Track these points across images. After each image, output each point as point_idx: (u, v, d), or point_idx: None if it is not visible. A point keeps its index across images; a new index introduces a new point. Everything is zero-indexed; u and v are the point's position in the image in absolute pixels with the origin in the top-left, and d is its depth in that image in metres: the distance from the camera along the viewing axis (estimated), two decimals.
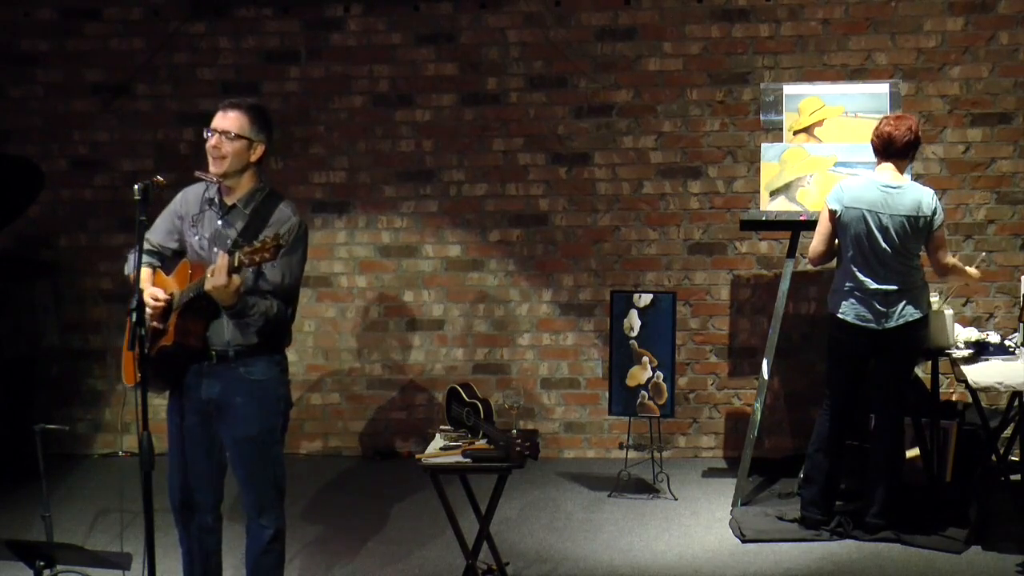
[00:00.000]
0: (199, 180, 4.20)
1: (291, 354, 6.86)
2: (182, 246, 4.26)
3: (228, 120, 4.09)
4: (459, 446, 4.72)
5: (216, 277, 3.84)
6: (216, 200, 4.18)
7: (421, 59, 6.76)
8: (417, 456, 4.79)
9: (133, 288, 3.85)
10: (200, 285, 3.95)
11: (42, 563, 4.03)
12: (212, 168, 4.11)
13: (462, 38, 6.74)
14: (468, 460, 4.62)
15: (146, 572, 3.86)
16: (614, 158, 6.71)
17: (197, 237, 4.17)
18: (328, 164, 6.88)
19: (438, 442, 4.85)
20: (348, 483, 6.50)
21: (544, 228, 6.80)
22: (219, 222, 4.15)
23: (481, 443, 4.73)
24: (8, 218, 6.50)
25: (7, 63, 6.95)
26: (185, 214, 4.23)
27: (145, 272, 4.22)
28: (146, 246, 4.25)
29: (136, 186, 3.91)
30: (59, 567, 4.20)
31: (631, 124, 6.68)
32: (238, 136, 4.07)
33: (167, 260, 4.29)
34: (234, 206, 4.14)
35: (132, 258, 4.25)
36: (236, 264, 3.82)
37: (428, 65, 6.76)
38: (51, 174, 6.79)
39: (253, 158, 4.11)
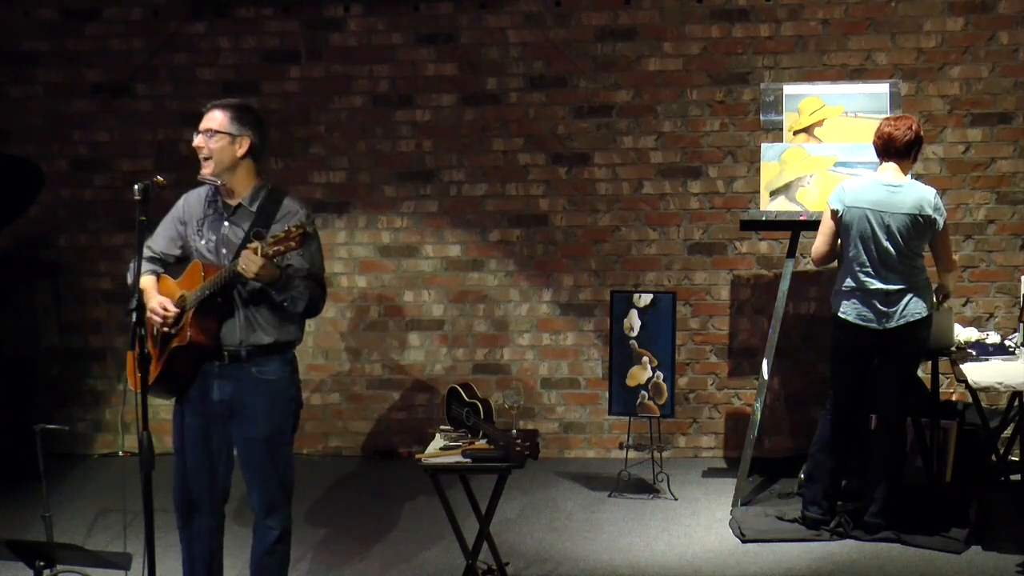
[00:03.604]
0: (200, 184, 4.20)
1: None
2: (185, 252, 4.25)
3: (209, 119, 4.12)
4: (459, 446, 4.72)
5: (249, 265, 3.86)
6: (219, 202, 4.18)
7: (421, 59, 6.76)
8: (417, 456, 4.79)
9: (133, 290, 3.85)
10: (231, 271, 3.94)
11: (42, 563, 4.03)
12: (202, 170, 4.12)
13: (462, 38, 6.74)
14: (468, 460, 4.62)
15: (146, 572, 3.86)
16: (614, 158, 6.71)
17: (204, 241, 4.17)
18: (328, 164, 6.88)
19: (438, 442, 4.85)
20: (348, 483, 6.50)
21: (544, 228, 6.80)
22: (226, 223, 4.15)
23: (481, 443, 4.73)
24: (8, 218, 6.50)
25: (7, 63, 6.95)
26: (189, 219, 4.23)
27: (150, 280, 4.24)
28: (148, 253, 4.27)
29: (136, 186, 3.92)
30: (59, 567, 4.20)
31: (631, 124, 6.68)
32: (218, 132, 4.08)
33: (169, 267, 4.29)
34: (239, 205, 4.15)
35: (134, 266, 4.27)
36: (261, 255, 3.86)
37: (428, 65, 6.76)
38: (51, 174, 6.79)
39: (239, 153, 4.11)
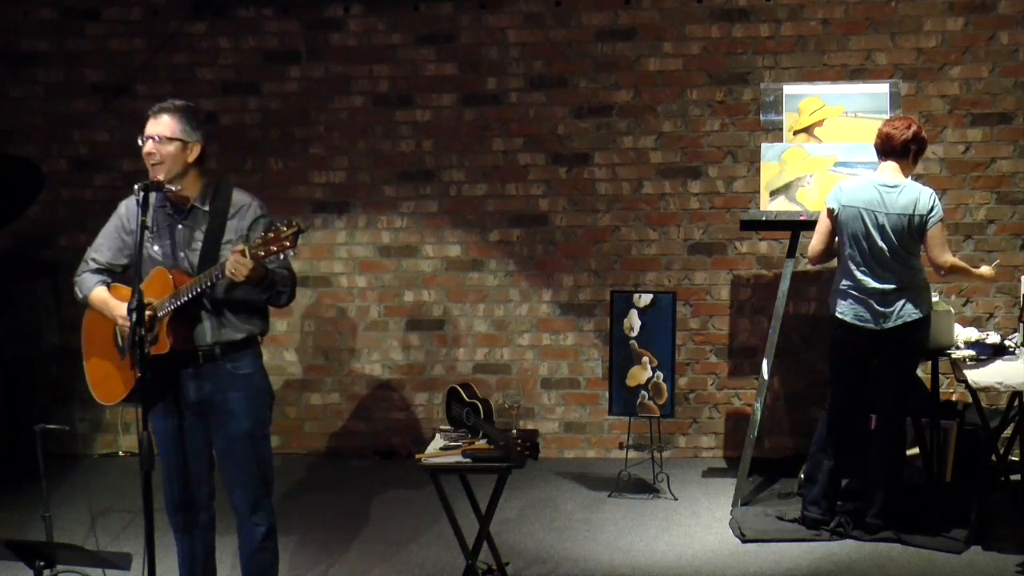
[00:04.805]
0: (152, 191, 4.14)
1: (291, 354, 6.97)
2: (132, 261, 4.18)
3: (160, 125, 4.08)
4: (459, 446, 4.72)
5: (239, 269, 3.85)
6: (167, 207, 4.16)
7: (421, 59, 6.76)
8: (417, 456, 4.79)
9: (132, 291, 3.85)
10: (215, 275, 3.93)
11: (42, 563, 4.03)
12: (153, 176, 4.07)
13: (462, 38, 6.74)
14: (468, 460, 4.62)
15: (146, 572, 3.86)
16: (614, 158, 6.71)
17: (157, 247, 4.14)
18: (328, 164, 6.88)
19: (438, 442, 4.85)
20: (348, 483, 6.50)
21: (544, 228, 6.80)
22: (179, 227, 4.15)
23: (481, 443, 4.73)
24: (8, 218, 6.50)
25: (7, 63, 6.95)
26: (135, 228, 4.18)
27: (102, 290, 4.23)
28: (94, 265, 4.27)
29: (136, 186, 3.92)
30: (59, 567, 4.20)
31: (631, 124, 6.68)
32: (171, 139, 4.06)
33: (116, 277, 4.28)
34: (192, 207, 4.14)
35: (84, 280, 4.27)
36: (250, 258, 3.85)
37: (428, 65, 6.76)
38: (51, 174, 6.79)
39: (190, 159, 4.10)
